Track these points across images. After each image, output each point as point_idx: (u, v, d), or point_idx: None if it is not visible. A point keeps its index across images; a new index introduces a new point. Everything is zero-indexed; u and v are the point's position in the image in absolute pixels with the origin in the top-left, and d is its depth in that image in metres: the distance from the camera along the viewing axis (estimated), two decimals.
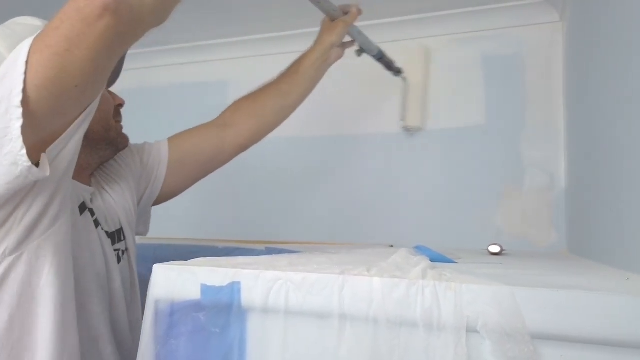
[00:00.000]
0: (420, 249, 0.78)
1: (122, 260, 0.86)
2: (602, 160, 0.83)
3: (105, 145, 0.86)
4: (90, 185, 0.85)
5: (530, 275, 0.61)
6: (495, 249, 1.04)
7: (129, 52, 0.73)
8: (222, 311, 0.56)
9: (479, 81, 1.37)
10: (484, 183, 1.35)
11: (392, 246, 1.26)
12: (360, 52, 1.20)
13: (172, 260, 1.09)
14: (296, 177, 1.51)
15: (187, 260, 1.23)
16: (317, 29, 1.50)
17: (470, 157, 1.37)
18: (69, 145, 0.63)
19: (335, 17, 1.09)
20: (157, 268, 0.60)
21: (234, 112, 1.04)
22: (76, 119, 0.61)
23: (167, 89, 1.70)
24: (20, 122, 0.54)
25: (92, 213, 0.82)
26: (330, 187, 1.50)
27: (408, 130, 1.40)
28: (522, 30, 1.33)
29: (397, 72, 1.31)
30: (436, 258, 0.75)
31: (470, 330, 0.46)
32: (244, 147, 1.04)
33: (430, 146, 1.41)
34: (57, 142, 0.61)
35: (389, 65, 1.27)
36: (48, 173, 0.59)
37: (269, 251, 1.21)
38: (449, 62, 1.39)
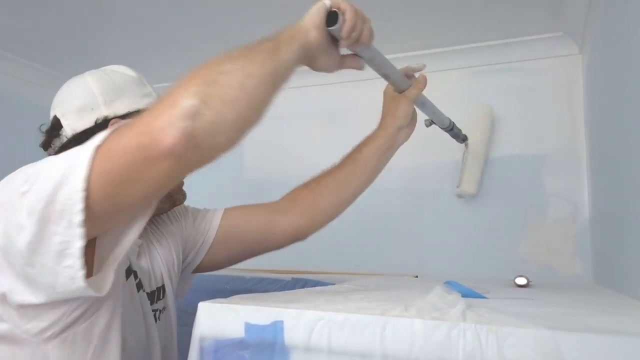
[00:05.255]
0: (450, 284, 0.80)
1: (159, 320, 0.85)
2: (627, 191, 0.84)
3: (165, 199, 0.85)
4: (139, 237, 0.84)
5: (565, 314, 0.62)
6: (521, 281, 1.04)
7: None
8: (265, 349, 0.58)
9: (500, 112, 1.39)
10: (508, 213, 1.36)
11: (416, 277, 1.27)
12: (430, 123, 1.11)
13: (203, 290, 1.11)
14: None
15: (217, 289, 1.24)
16: None
17: (494, 187, 1.38)
18: (122, 259, 0.62)
19: (402, 89, 0.94)
20: (202, 306, 0.62)
21: (290, 200, 0.96)
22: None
23: None
24: (80, 242, 0.53)
25: (136, 275, 0.80)
26: (355, 215, 1.51)
27: (461, 197, 1.38)
28: (543, 62, 1.36)
29: (463, 140, 1.27)
30: (467, 293, 0.76)
31: None
32: (296, 238, 0.96)
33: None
34: (111, 261, 0.60)
35: (457, 135, 1.21)
36: (104, 294, 0.58)
37: (295, 282, 1.22)
38: (470, 94, 1.42)
